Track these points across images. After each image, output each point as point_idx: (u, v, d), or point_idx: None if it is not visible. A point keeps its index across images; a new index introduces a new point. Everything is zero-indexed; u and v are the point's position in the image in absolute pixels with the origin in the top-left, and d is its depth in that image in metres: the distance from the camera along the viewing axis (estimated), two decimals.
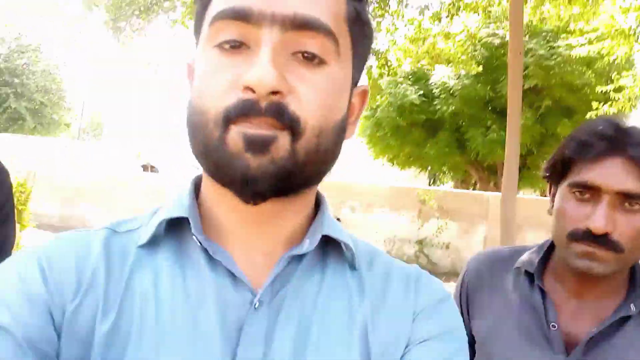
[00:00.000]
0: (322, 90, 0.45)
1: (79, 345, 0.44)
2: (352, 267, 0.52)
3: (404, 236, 8.86)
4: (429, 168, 13.44)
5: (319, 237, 0.49)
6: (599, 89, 7.75)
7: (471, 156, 11.56)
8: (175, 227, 0.49)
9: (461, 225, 8.66)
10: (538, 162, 11.41)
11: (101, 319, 0.44)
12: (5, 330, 0.42)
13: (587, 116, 8.41)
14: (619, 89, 7.48)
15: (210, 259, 0.47)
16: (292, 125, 0.43)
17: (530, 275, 0.92)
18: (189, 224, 0.47)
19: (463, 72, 9.49)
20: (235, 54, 0.44)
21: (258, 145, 0.42)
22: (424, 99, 10.92)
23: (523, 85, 6.48)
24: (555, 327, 0.86)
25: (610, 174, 0.79)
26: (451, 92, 10.85)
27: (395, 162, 13.08)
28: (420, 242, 8.55)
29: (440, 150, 11.18)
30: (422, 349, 0.49)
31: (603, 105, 7.54)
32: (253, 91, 0.42)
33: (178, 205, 0.50)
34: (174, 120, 20.31)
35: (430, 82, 11.14)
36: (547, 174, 0.93)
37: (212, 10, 0.46)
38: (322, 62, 0.45)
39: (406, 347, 0.50)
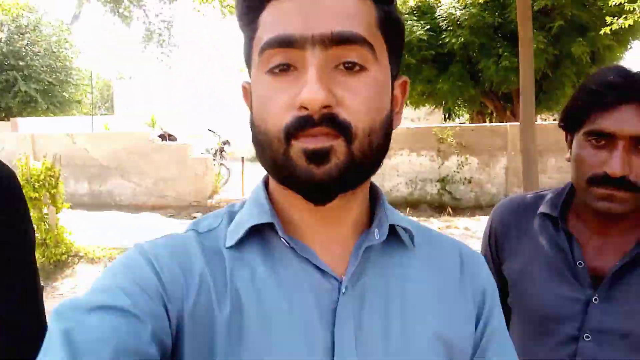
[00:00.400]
0: (365, 94, 0.50)
1: (203, 337, 0.50)
2: (411, 246, 0.60)
3: (426, 176, 8.94)
4: (444, 103, 13.27)
5: (386, 227, 0.57)
6: (612, 1, 7.46)
7: (485, 87, 11.36)
8: (257, 229, 0.56)
9: (481, 158, 8.68)
10: (555, 85, 11.19)
11: (218, 311, 0.51)
12: (128, 312, 0.46)
13: (602, 32, 8.17)
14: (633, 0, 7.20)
15: (296, 254, 0.54)
16: (344, 132, 0.49)
17: (554, 219, 1.00)
18: (270, 225, 0.55)
19: (470, 1, 9.19)
20: (286, 76, 0.50)
21: (319, 157, 0.49)
22: (431, 33, 10.64)
23: (532, 7, 6.29)
24: (581, 264, 0.95)
25: (624, 120, 0.85)
26: (459, 22, 10.55)
27: (408, 102, 12.95)
28: (442, 180, 8.63)
29: (453, 85, 10.99)
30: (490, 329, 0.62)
31: (617, 19, 7.30)
32: (307, 109, 0.48)
33: (261, 211, 0.56)
34: (180, 89, 20.13)
35: (436, 15, 10.81)
36: (563, 124, 0.99)
37: (259, 41, 0.52)
38: (362, 68, 0.50)
39: (477, 323, 0.61)
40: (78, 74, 25.27)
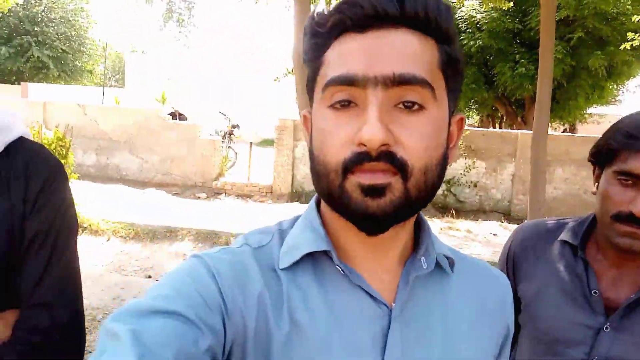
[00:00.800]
0: (423, 133, 0.51)
1: (261, 356, 0.52)
2: (450, 272, 0.63)
3: None
4: None
5: (434, 257, 0.60)
6: (636, 17, 7.41)
7: (499, 91, 11.34)
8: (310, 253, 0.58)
9: (489, 163, 8.68)
10: (569, 96, 11.14)
11: (276, 331, 0.53)
12: (189, 320, 0.47)
13: (622, 47, 8.12)
14: None
15: (349, 281, 0.56)
16: (401, 170, 0.50)
17: (574, 247, 1.04)
18: (324, 251, 0.57)
19: (492, 5, 9.13)
20: (347, 111, 0.52)
21: (375, 192, 0.50)
22: None
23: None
24: (596, 293, 0.99)
25: None
26: (478, 25, 10.50)
27: None
28: (447, 182, 8.65)
29: (467, 86, 10.98)
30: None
31: (639, 35, 7.26)
32: (365, 145, 0.49)
33: (316, 237, 0.58)
34: (194, 69, 20.05)
35: (456, 16, 10.75)
36: (593, 159, 1.03)
37: (323, 77, 0.54)
38: (421, 107, 0.52)
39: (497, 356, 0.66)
40: (92, 44, 25.25)
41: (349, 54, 0.52)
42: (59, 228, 0.85)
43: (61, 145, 6.38)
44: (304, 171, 8.73)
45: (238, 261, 0.56)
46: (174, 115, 11.87)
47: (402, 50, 0.51)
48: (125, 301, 4.14)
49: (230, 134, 10.70)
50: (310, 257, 0.58)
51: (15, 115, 0.86)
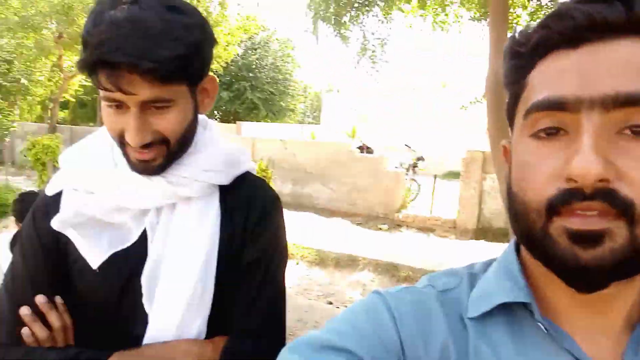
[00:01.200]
0: None
1: None
2: None
3: None
4: None
5: None
6: None
7: None
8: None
9: None
10: None
11: None
12: (358, 358, 0.45)
13: None
14: None
15: (553, 341, 0.47)
16: (626, 212, 0.40)
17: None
18: (522, 302, 0.48)
19: None
20: (554, 141, 0.43)
21: (587, 240, 0.41)
22: None
23: None
24: None
25: None
26: None
27: None
28: None
29: None
30: None
31: None
32: (576, 181, 0.40)
33: (514, 286, 0.49)
34: (382, 103, 20.78)
35: None
36: None
37: (526, 102, 0.46)
38: None
39: None
40: (294, 86, 28.20)
41: (558, 74, 0.44)
42: (272, 257, 0.88)
43: (264, 176, 7.19)
44: (492, 206, 8.22)
45: (421, 304, 0.52)
46: (361, 148, 12.41)
47: (628, 64, 0.41)
48: (308, 324, 4.40)
49: (415, 166, 10.72)
50: (505, 309, 0.50)
51: (244, 152, 0.94)
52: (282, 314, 0.90)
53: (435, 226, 8.77)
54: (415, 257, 6.45)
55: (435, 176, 9.53)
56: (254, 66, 25.77)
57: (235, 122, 23.45)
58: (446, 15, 9.10)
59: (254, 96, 25.61)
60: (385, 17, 8.85)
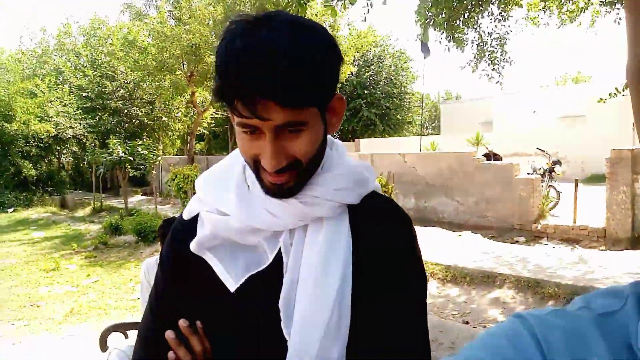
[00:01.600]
0: None
1: None
2: None
3: None
4: None
5: None
6: None
7: None
8: None
9: None
10: None
11: None
12: None
13: None
14: None
15: None
16: None
17: None
18: None
19: None
20: None
21: None
22: None
23: None
24: None
25: None
26: None
27: None
28: None
29: None
30: None
31: None
32: None
33: None
34: (507, 106, 19.63)
35: None
36: None
37: None
38: None
39: None
40: (410, 98, 27.84)
41: None
42: (412, 278, 0.84)
43: (385, 191, 7.13)
44: None
45: (575, 330, 0.44)
46: (488, 156, 11.74)
47: None
48: (444, 345, 4.17)
49: (551, 171, 9.83)
50: None
51: (370, 171, 0.92)
52: (428, 340, 0.84)
53: (581, 236, 7.90)
54: (560, 272, 5.84)
55: (576, 180, 8.63)
56: (368, 83, 26.01)
57: (352, 140, 23.78)
58: (574, 3, 8.31)
59: (370, 113, 25.76)
60: (503, 15, 8.34)
